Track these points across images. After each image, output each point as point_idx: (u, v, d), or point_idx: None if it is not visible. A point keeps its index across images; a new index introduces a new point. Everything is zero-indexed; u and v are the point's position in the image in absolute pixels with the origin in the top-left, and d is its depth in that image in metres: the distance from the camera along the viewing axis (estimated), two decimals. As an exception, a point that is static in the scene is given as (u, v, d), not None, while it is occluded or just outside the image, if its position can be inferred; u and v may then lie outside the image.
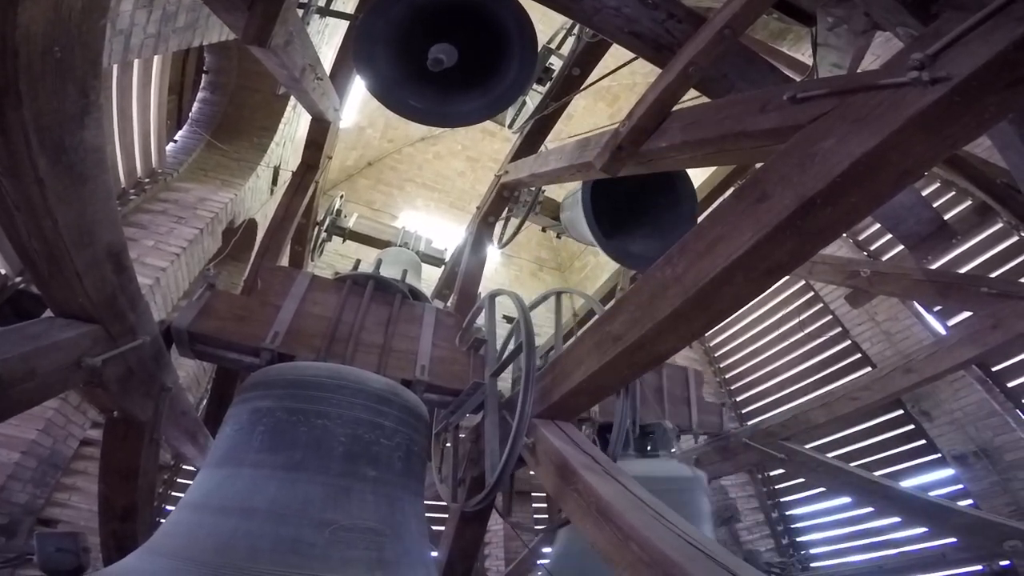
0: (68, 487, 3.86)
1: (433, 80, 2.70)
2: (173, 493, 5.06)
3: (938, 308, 5.84)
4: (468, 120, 3.06)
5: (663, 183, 3.55)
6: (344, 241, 6.13)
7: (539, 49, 3.96)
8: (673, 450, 3.67)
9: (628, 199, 3.71)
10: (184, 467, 5.12)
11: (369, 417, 1.94)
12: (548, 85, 4.02)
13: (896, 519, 5.61)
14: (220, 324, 2.30)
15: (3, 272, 3.52)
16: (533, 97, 4.31)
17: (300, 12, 3.42)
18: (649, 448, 3.57)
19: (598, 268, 10.95)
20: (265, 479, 1.68)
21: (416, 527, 1.90)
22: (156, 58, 4.49)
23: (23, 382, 1.39)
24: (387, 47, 2.60)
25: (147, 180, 4.85)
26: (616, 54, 3.33)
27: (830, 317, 6.94)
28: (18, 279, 3.58)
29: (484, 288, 3.89)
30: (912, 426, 5.97)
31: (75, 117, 1.19)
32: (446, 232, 9.99)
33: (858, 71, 2.44)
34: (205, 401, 4.88)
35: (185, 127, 5.89)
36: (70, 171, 1.25)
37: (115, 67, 3.92)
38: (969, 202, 5.21)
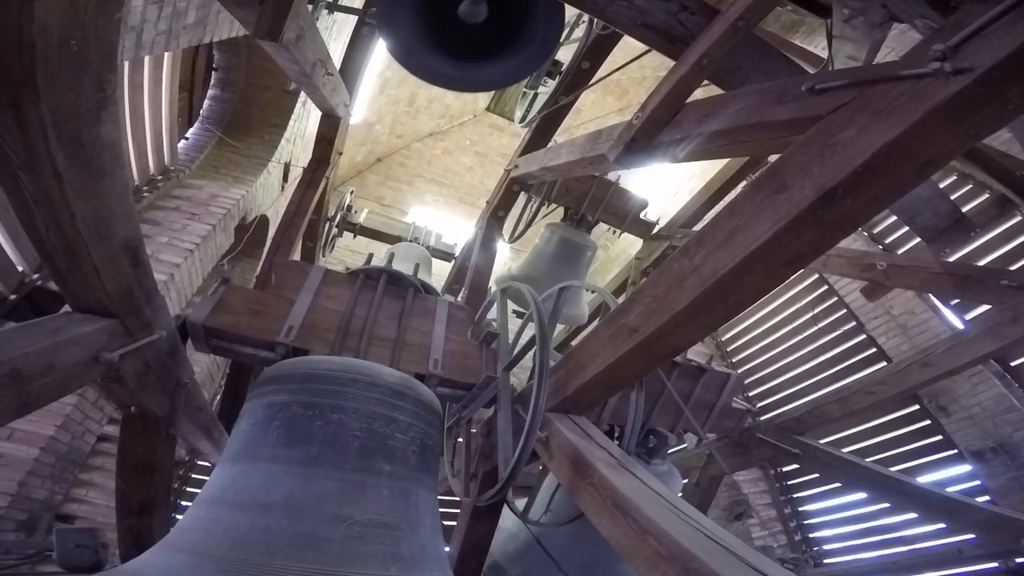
0: (86, 483, 3.90)
1: (457, 44, 2.64)
2: (188, 489, 5.11)
3: (956, 301, 5.76)
4: (494, 84, 2.97)
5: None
6: (355, 237, 6.16)
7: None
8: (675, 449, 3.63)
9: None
10: (199, 463, 5.16)
11: (384, 411, 1.94)
12: (558, 79, 4.01)
13: (912, 515, 5.57)
14: (235, 319, 2.30)
15: (21, 269, 3.56)
16: (542, 91, 4.30)
17: (309, 7, 3.42)
18: (646, 451, 3.54)
19: (608, 262, 10.92)
20: (281, 474, 1.68)
21: (430, 522, 1.91)
22: (167, 55, 4.51)
23: (42, 377, 1.40)
24: (410, 10, 2.54)
25: (160, 177, 4.89)
26: (625, 47, 3.31)
27: (845, 311, 6.87)
28: (35, 276, 3.62)
29: (494, 283, 3.90)
30: (929, 421, 5.91)
31: (92, 111, 1.19)
32: (456, 227, 10.00)
33: (874, 63, 2.40)
34: (219, 397, 4.92)
35: (196, 124, 5.93)
36: (87, 165, 1.25)
37: (126, 64, 3.95)
38: (987, 195, 5.13)
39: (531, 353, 2.26)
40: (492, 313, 2.88)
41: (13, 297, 3.53)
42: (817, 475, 6.31)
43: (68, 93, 1.12)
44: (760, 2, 1.73)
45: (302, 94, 6.06)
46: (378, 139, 10.48)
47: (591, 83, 3.74)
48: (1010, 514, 3.75)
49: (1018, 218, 5.20)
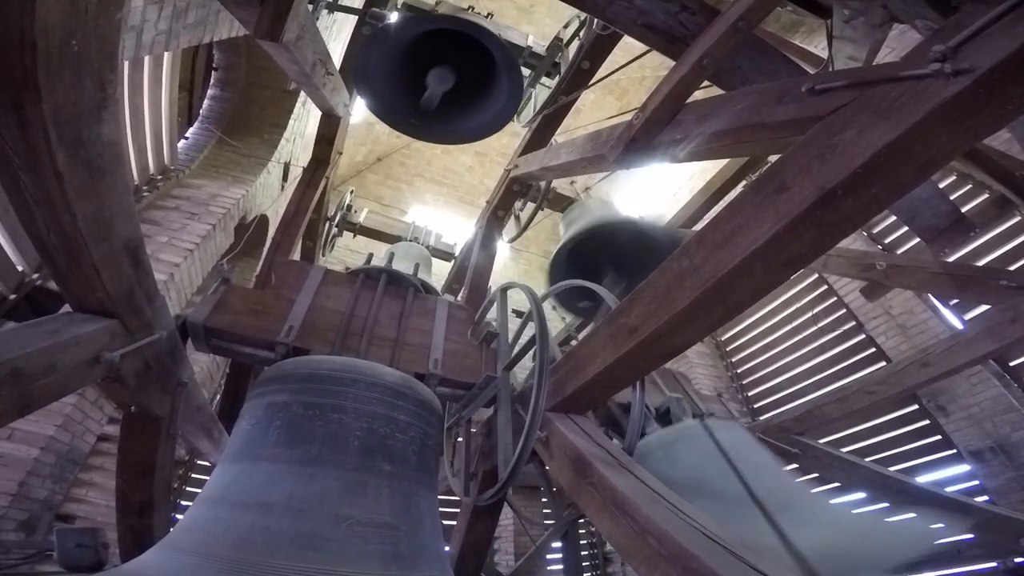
0: (85, 483, 3.90)
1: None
2: (188, 488, 5.11)
3: (955, 302, 5.77)
4: (465, 139, 3.12)
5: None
6: (355, 236, 6.15)
7: (547, 49, 4.00)
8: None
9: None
10: (199, 462, 5.17)
11: (384, 411, 1.95)
12: (557, 79, 4.01)
13: (911, 515, 5.57)
14: (235, 318, 2.31)
15: (21, 268, 3.56)
16: (542, 91, 4.30)
17: (309, 7, 3.42)
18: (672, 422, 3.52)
19: (608, 263, 10.90)
20: (282, 474, 1.68)
21: (430, 521, 1.91)
22: (167, 55, 4.51)
23: (43, 377, 1.40)
24: (386, 72, 2.65)
25: (160, 177, 4.89)
26: (625, 47, 3.31)
27: (844, 311, 6.88)
28: (35, 275, 3.62)
29: (494, 283, 3.90)
30: (928, 421, 5.91)
31: (92, 111, 1.19)
32: (455, 227, 10.00)
33: (874, 63, 2.41)
34: (219, 396, 4.92)
35: (196, 124, 5.93)
36: (88, 165, 1.25)
37: (126, 64, 3.95)
38: (987, 195, 5.14)
39: (531, 353, 2.27)
40: (492, 313, 2.88)
41: (13, 297, 3.53)
42: (816, 475, 6.31)
43: (69, 93, 1.12)
44: (761, 2, 1.73)
45: (302, 94, 6.07)
46: (378, 138, 10.48)
47: (591, 83, 3.74)
48: (1009, 514, 3.76)
49: (1017, 218, 5.21)
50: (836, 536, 1.99)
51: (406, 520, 1.76)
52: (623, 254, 3.87)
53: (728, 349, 8.54)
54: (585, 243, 3.82)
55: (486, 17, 3.60)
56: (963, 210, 3.01)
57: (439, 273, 6.08)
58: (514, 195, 4.49)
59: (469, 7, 3.57)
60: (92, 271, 1.49)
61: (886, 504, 5.39)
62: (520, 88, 2.75)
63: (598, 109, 9.94)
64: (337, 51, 5.76)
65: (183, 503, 4.86)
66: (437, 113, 2.83)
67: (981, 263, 5.34)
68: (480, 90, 2.87)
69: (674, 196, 9.17)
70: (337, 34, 6.11)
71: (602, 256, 3.94)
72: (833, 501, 6.65)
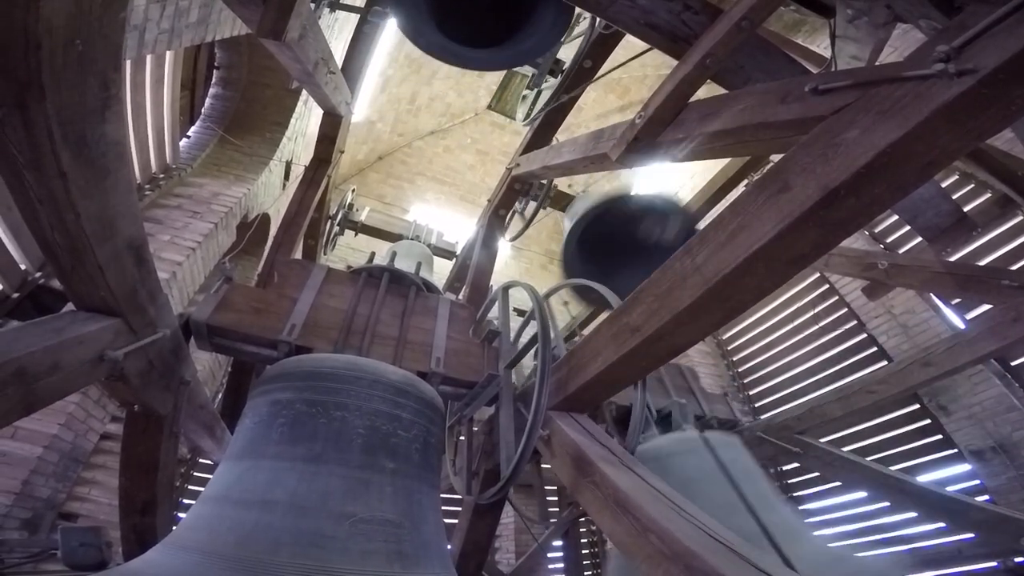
0: (88, 481, 3.90)
1: (470, 24, 2.64)
2: (190, 487, 5.11)
3: (957, 301, 5.76)
4: (504, 64, 3.00)
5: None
6: (356, 235, 6.15)
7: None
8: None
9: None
10: (201, 461, 5.17)
11: (387, 409, 1.95)
12: (560, 77, 4.01)
13: (912, 514, 5.56)
14: (238, 317, 2.31)
15: (24, 267, 3.56)
16: (544, 89, 4.29)
17: (312, 6, 3.42)
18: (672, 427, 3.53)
19: (609, 262, 10.90)
20: (285, 471, 1.69)
21: (433, 519, 1.91)
22: (168, 54, 4.51)
23: (48, 376, 1.41)
24: None
25: (162, 175, 4.90)
26: (627, 46, 3.31)
27: (845, 310, 6.87)
28: (38, 274, 3.63)
29: (495, 281, 3.90)
30: (929, 420, 5.91)
31: (96, 110, 1.20)
32: (457, 225, 10.00)
33: (877, 63, 2.41)
34: (221, 395, 4.93)
35: (198, 123, 5.93)
36: (92, 164, 1.26)
37: (128, 63, 3.95)
38: (989, 194, 5.13)
39: (533, 351, 2.27)
40: (494, 311, 2.88)
41: (16, 295, 3.53)
42: (817, 474, 6.31)
43: (73, 92, 1.12)
44: (764, 2, 1.73)
45: (304, 92, 6.07)
46: (379, 137, 10.48)
47: (592, 80, 3.73)
48: (1009, 513, 3.76)
49: (1020, 218, 5.20)
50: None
51: (409, 518, 1.76)
52: (637, 235, 3.71)
53: (729, 348, 8.53)
54: (596, 225, 3.64)
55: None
56: (965, 210, 3.01)
57: (440, 272, 6.09)
58: (516, 194, 4.49)
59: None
60: (96, 270, 1.49)
61: (887, 503, 5.39)
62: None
63: (600, 108, 9.93)
64: (339, 50, 5.76)
65: (186, 501, 4.86)
66: (477, 37, 2.73)
67: (983, 263, 5.34)
68: (523, 9, 2.73)
69: (676, 195, 9.16)
70: (339, 33, 6.10)
71: (615, 239, 3.76)
72: (835, 500, 6.66)
